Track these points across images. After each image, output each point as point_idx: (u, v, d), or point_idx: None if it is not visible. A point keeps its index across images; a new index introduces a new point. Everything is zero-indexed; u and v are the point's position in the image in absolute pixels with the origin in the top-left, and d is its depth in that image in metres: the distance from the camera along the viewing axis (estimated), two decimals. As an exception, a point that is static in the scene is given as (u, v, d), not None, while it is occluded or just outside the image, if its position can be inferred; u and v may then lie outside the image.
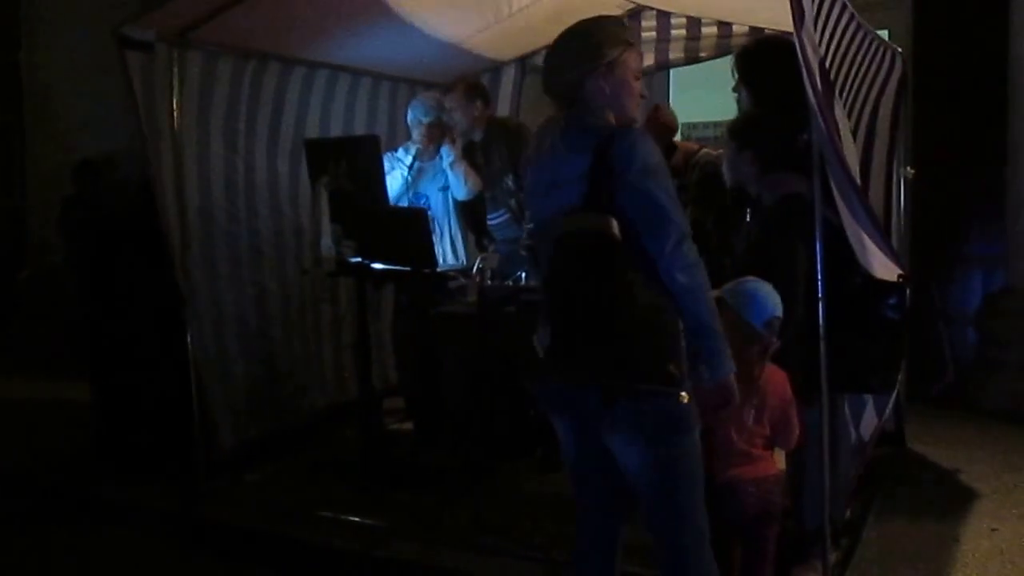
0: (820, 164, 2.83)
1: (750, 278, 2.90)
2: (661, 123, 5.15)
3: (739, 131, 3.33)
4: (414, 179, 4.77)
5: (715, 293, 2.62)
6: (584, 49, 2.42)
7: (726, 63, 3.55)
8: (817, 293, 2.88)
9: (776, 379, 2.90)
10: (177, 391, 4.16)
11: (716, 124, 6.07)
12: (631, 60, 2.44)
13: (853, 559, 3.49)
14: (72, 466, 4.87)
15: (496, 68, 5.72)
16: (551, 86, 2.49)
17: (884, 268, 3.00)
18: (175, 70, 4.09)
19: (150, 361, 4.52)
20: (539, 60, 5.73)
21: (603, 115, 2.41)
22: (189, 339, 4.16)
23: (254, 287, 4.87)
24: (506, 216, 4.73)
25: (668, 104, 6.08)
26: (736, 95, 3.60)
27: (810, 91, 2.60)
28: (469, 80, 4.71)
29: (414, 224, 4.24)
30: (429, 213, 4.52)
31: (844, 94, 3.59)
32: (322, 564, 3.78)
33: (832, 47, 3.14)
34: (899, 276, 3.02)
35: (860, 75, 3.84)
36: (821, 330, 2.87)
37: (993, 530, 3.83)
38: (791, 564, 3.25)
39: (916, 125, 4.82)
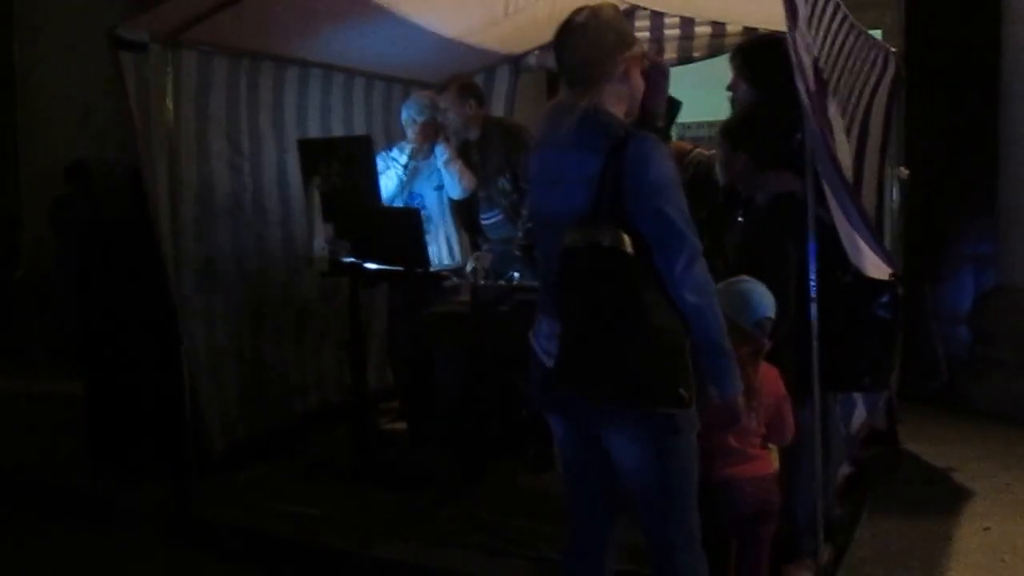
0: (813, 163, 2.84)
1: (742, 278, 2.91)
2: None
3: (733, 131, 3.34)
4: (409, 178, 4.77)
5: None
6: (621, 37, 2.40)
7: (719, 63, 3.56)
8: (809, 292, 2.89)
9: (769, 376, 2.90)
10: (170, 391, 4.16)
11: (709, 124, 6.07)
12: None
13: (846, 557, 3.50)
14: (66, 465, 4.87)
15: (491, 68, 5.72)
16: (577, 71, 2.38)
17: (876, 267, 3.01)
18: (169, 70, 4.08)
19: (143, 361, 4.52)
20: (533, 60, 5.77)
21: (623, 106, 2.38)
22: (182, 338, 4.15)
23: (247, 287, 4.87)
24: (500, 216, 4.73)
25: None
26: (730, 95, 3.61)
27: (803, 91, 2.60)
28: (462, 80, 4.71)
29: (407, 224, 4.24)
30: (424, 212, 4.52)
31: (837, 94, 3.60)
32: (315, 563, 3.78)
33: (825, 47, 3.15)
34: (891, 275, 3.03)
35: (853, 75, 3.85)
36: (814, 329, 2.88)
37: (985, 528, 3.84)
38: (784, 562, 3.26)
39: (908, 124, 4.82)
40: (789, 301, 2.99)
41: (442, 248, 4.79)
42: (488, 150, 4.71)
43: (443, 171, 4.68)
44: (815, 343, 2.89)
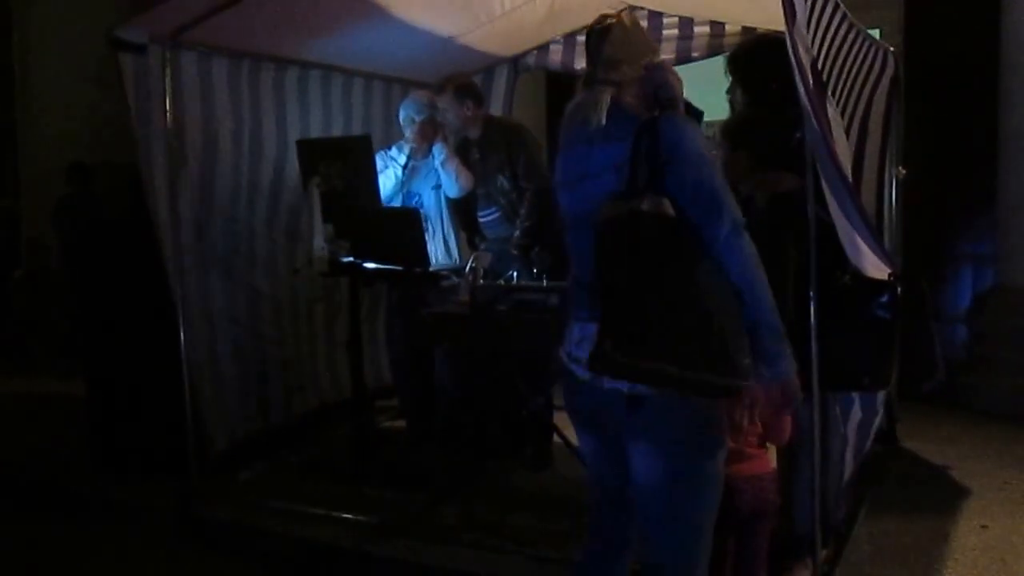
0: (813, 163, 2.84)
1: None
2: None
3: (733, 131, 3.34)
4: (407, 178, 4.78)
5: None
6: (648, 43, 2.45)
7: (718, 63, 3.57)
8: (808, 292, 2.90)
9: None
10: (171, 390, 4.17)
11: (708, 124, 6.08)
12: None
13: (844, 556, 3.50)
14: (66, 464, 4.88)
15: (489, 68, 5.73)
16: (608, 67, 2.36)
17: (875, 267, 3.02)
18: (168, 71, 4.09)
19: (144, 360, 4.53)
20: (531, 60, 5.77)
21: (647, 101, 2.32)
22: (182, 338, 4.16)
23: (246, 287, 4.88)
24: (498, 214, 4.73)
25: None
26: (729, 96, 3.61)
27: (802, 90, 2.61)
28: (460, 80, 4.71)
29: (406, 223, 4.25)
30: (422, 211, 4.53)
31: (836, 93, 3.61)
32: (314, 561, 3.79)
33: (824, 46, 3.16)
34: (890, 275, 3.04)
35: (852, 74, 3.86)
36: (813, 329, 2.89)
37: (983, 527, 3.85)
38: (782, 562, 3.27)
39: (907, 124, 4.83)
40: (787, 301, 3.00)
41: (439, 247, 4.78)
42: (488, 148, 4.71)
43: (440, 170, 4.68)
44: (814, 343, 2.89)
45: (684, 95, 2.45)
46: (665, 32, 5.25)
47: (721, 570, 2.92)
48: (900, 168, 4.66)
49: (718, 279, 2.14)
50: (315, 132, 5.14)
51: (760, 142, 3.25)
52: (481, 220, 4.80)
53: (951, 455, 4.76)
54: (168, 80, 4.09)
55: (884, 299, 3.06)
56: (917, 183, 4.88)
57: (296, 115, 5.05)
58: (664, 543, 2.31)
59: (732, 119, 3.47)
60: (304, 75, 5.03)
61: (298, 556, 3.81)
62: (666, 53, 5.27)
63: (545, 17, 5.04)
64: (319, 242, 4.24)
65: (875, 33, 4.54)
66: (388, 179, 4.70)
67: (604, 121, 2.29)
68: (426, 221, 4.60)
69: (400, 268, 4.31)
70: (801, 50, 2.60)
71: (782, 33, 2.63)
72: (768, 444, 3.02)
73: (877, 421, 4.11)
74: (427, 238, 4.46)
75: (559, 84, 6.63)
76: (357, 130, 5.37)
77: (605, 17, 2.43)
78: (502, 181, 4.65)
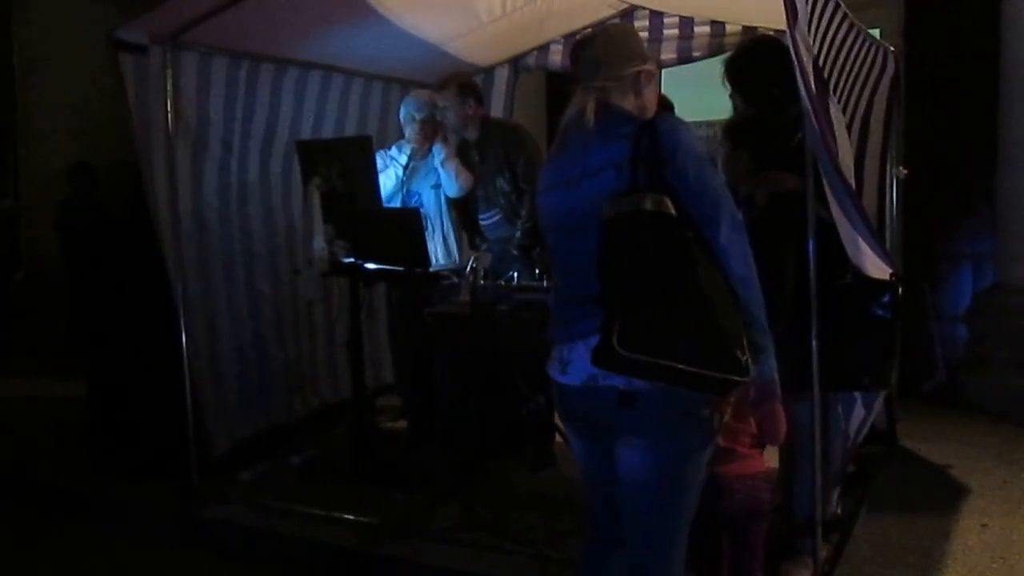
0: (813, 163, 2.85)
1: None
2: None
3: (733, 131, 3.35)
4: (407, 177, 4.79)
5: None
6: (633, 48, 2.45)
7: (718, 63, 3.56)
8: (808, 292, 2.90)
9: None
10: (172, 390, 4.17)
11: (708, 124, 6.08)
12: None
13: (844, 554, 3.51)
14: (67, 465, 4.88)
15: (490, 69, 5.73)
16: (588, 75, 2.41)
17: (876, 267, 3.02)
18: (168, 72, 4.09)
19: (145, 360, 4.53)
20: (531, 61, 5.77)
21: (636, 110, 2.40)
22: (183, 339, 4.16)
23: (247, 287, 4.89)
24: (498, 216, 4.74)
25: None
26: (732, 99, 3.62)
27: (803, 90, 2.61)
28: (462, 79, 4.72)
29: (407, 224, 4.25)
30: (421, 211, 4.53)
31: (837, 93, 3.61)
32: (315, 561, 3.80)
33: (825, 46, 3.16)
34: (891, 275, 3.04)
35: (853, 74, 3.87)
36: (813, 328, 2.90)
37: (983, 526, 3.86)
38: (782, 560, 3.28)
39: (907, 124, 4.84)
40: (786, 300, 3.00)
41: (439, 247, 4.79)
42: (487, 150, 4.72)
43: (440, 169, 4.69)
44: (815, 342, 2.90)
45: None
46: (666, 32, 5.25)
47: (717, 570, 2.92)
48: (900, 168, 4.67)
49: (717, 276, 2.18)
50: (316, 132, 5.15)
51: (761, 142, 3.25)
52: (482, 223, 4.81)
53: (951, 454, 4.77)
54: (168, 81, 4.09)
55: (885, 299, 3.07)
56: (917, 183, 4.88)
57: (297, 115, 5.05)
58: (645, 542, 2.36)
59: (733, 119, 3.48)
60: (304, 75, 5.03)
61: (299, 556, 3.82)
62: (667, 53, 5.28)
63: (545, 17, 5.04)
64: (319, 242, 4.25)
65: (874, 33, 4.54)
66: (388, 179, 4.71)
67: (593, 123, 2.34)
68: (426, 220, 4.60)
69: (400, 268, 4.31)
70: (802, 50, 2.60)
71: (780, 33, 2.64)
72: (766, 444, 3.04)
73: (872, 418, 4.11)
74: (427, 237, 4.46)
75: (559, 84, 6.63)
76: (356, 131, 5.37)
77: (595, 27, 2.51)
78: (501, 183, 4.66)
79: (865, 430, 3.65)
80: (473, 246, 4.86)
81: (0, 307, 8.51)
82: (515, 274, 4.12)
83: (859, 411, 3.62)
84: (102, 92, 6.91)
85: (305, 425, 5.15)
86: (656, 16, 5.22)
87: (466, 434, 4.46)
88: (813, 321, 2.90)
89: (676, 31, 5.24)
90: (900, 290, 3.05)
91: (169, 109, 4.10)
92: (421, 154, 4.76)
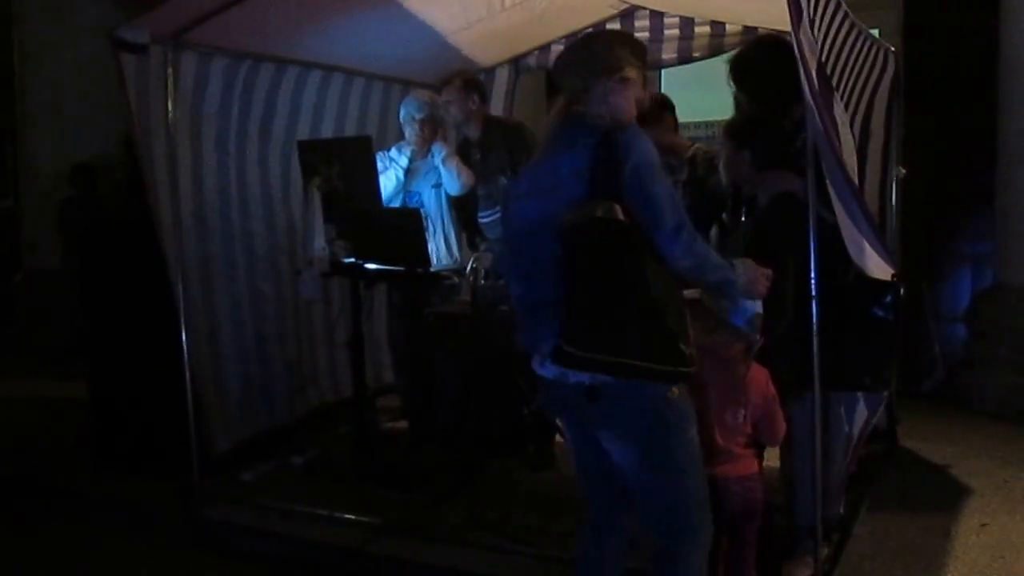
0: (815, 163, 2.85)
1: None
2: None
3: (736, 131, 3.35)
4: (407, 178, 4.79)
5: (694, 294, 2.66)
6: (605, 58, 2.51)
7: (717, 63, 3.58)
8: (809, 292, 2.91)
9: (758, 377, 2.92)
10: (172, 390, 4.17)
11: (708, 124, 6.10)
12: (638, 81, 2.55)
13: (844, 554, 3.52)
14: (68, 465, 4.89)
15: (491, 69, 5.74)
16: (562, 83, 2.57)
17: (878, 267, 3.02)
18: (169, 71, 4.09)
19: (146, 361, 4.53)
20: (532, 61, 5.78)
21: (602, 119, 2.47)
22: (184, 339, 4.16)
23: (248, 287, 4.89)
24: (499, 214, 4.73)
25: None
26: (736, 98, 3.63)
27: (807, 89, 2.62)
28: (466, 75, 4.72)
29: (407, 224, 4.25)
30: (422, 211, 4.53)
31: (840, 92, 3.61)
32: (316, 561, 3.80)
33: (828, 46, 3.16)
34: (893, 276, 3.04)
35: (855, 74, 3.86)
36: (815, 328, 2.90)
37: (983, 525, 3.87)
38: (783, 559, 3.28)
39: (906, 124, 4.84)
40: (787, 300, 3.01)
41: (440, 246, 4.79)
42: (489, 148, 4.72)
43: (441, 168, 4.69)
44: (816, 343, 2.90)
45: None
46: (666, 32, 5.26)
47: (714, 569, 2.93)
48: (900, 168, 4.68)
49: (664, 276, 2.38)
50: (313, 132, 5.15)
51: (763, 142, 3.26)
52: (482, 221, 4.81)
53: (950, 454, 4.78)
54: (169, 80, 4.09)
55: (887, 300, 3.07)
56: (916, 183, 4.88)
57: (296, 115, 5.05)
58: (664, 511, 2.51)
59: (735, 119, 3.49)
60: (304, 75, 5.04)
61: (299, 556, 3.82)
62: (667, 53, 5.30)
63: (545, 17, 5.04)
64: (320, 242, 4.25)
65: (874, 33, 4.54)
66: (389, 180, 4.71)
67: (562, 132, 2.51)
68: (426, 220, 4.61)
69: (401, 268, 4.31)
70: (807, 50, 2.60)
71: (783, 33, 2.64)
72: (765, 446, 3.05)
73: (875, 419, 4.12)
74: (428, 237, 4.47)
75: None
76: (356, 131, 5.38)
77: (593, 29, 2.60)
78: (503, 181, 4.66)
79: (868, 431, 3.65)
80: (472, 246, 4.86)
81: (0, 307, 8.52)
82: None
83: (862, 411, 3.63)
84: (102, 92, 6.90)
85: (306, 425, 5.16)
86: (656, 16, 5.23)
87: (466, 434, 4.46)
88: (814, 321, 2.90)
89: (676, 31, 5.25)
90: (902, 291, 3.06)
91: (169, 109, 4.10)
92: (421, 154, 4.77)
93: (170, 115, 4.11)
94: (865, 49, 3.88)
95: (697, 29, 5.21)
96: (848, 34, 3.49)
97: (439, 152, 4.68)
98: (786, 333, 3.02)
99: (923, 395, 5.36)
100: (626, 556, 2.74)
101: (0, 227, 9.24)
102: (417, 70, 5.36)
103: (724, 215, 3.62)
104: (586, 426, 2.55)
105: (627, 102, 2.52)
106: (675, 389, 2.41)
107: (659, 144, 2.64)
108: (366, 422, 4.68)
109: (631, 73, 2.52)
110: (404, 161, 4.74)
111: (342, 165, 4.34)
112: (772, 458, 3.44)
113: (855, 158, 3.43)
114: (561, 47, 5.54)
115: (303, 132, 5.07)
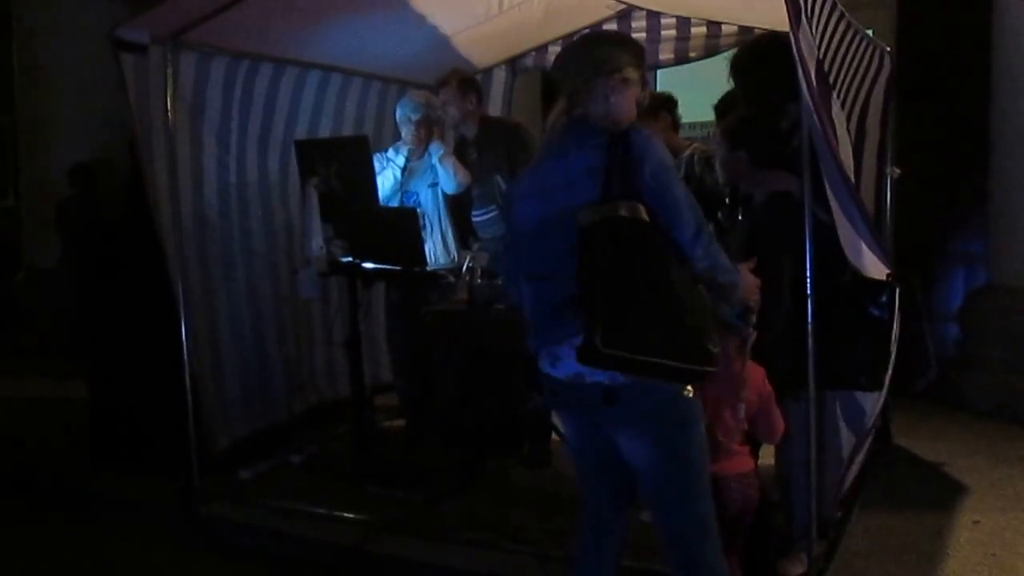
0: (812, 162, 2.87)
1: None
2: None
3: (733, 130, 3.37)
4: (404, 178, 4.81)
5: None
6: (605, 58, 2.52)
7: (714, 63, 3.60)
8: (805, 291, 2.93)
9: (754, 376, 2.93)
10: (172, 389, 4.19)
11: (703, 125, 6.11)
12: (638, 81, 2.55)
13: (838, 551, 3.54)
14: (69, 464, 4.89)
15: (488, 70, 5.76)
16: (561, 83, 2.57)
17: (874, 267, 3.04)
18: (169, 71, 4.11)
19: (146, 360, 4.55)
20: (529, 62, 5.80)
21: (602, 119, 2.48)
22: (183, 338, 4.18)
23: (247, 286, 4.91)
24: (494, 213, 4.74)
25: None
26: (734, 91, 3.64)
27: (805, 88, 2.64)
28: (463, 75, 4.72)
29: (404, 224, 4.27)
30: (419, 210, 4.55)
31: (837, 92, 3.64)
32: (315, 560, 3.81)
33: (824, 45, 3.18)
34: (888, 275, 3.07)
35: (851, 73, 3.88)
36: (809, 327, 2.92)
37: (975, 522, 3.90)
38: (777, 557, 3.31)
39: (899, 124, 4.87)
40: (782, 299, 3.03)
41: (438, 246, 4.80)
42: (485, 147, 4.72)
43: (438, 166, 4.69)
44: (811, 341, 2.93)
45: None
46: (663, 33, 5.28)
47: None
48: (895, 167, 4.70)
49: (687, 276, 2.39)
50: (311, 132, 5.17)
51: (759, 142, 3.28)
52: (477, 220, 4.81)
53: (943, 452, 4.81)
54: (169, 80, 4.11)
55: (882, 299, 3.09)
56: (909, 182, 4.90)
57: (294, 115, 5.07)
58: (677, 504, 2.51)
59: (732, 119, 3.49)
60: (303, 75, 5.05)
61: (299, 555, 3.83)
62: (664, 54, 5.31)
63: (543, 18, 5.06)
64: (317, 242, 4.27)
65: (868, 33, 4.57)
66: (386, 180, 4.73)
67: (566, 132, 2.51)
68: (424, 219, 4.63)
69: (399, 268, 4.33)
70: (805, 49, 2.62)
71: (780, 33, 2.66)
72: (763, 444, 3.07)
73: (874, 418, 4.14)
74: (424, 236, 4.48)
75: (555, 86, 6.64)
76: (353, 131, 5.39)
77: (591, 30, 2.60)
78: (499, 180, 4.67)
79: (869, 432, 3.66)
80: (465, 245, 4.87)
81: (0, 307, 8.52)
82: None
83: (860, 411, 3.65)
84: (102, 92, 6.91)
85: (304, 424, 5.17)
86: (653, 17, 5.24)
87: (464, 432, 4.48)
88: (810, 320, 2.92)
89: (673, 32, 5.26)
90: (897, 291, 3.08)
91: (169, 109, 4.11)
92: (418, 154, 4.79)
93: (170, 115, 4.12)
94: (861, 49, 3.90)
95: (694, 30, 5.22)
96: (844, 34, 3.51)
97: (436, 151, 4.69)
98: (782, 332, 3.05)
99: (916, 394, 5.38)
100: (623, 555, 2.76)
101: (0, 227, 9.25)
102: (414, 71, 5.38)
103: (720, 214, 3.64)
104: (602, 426, 2.53)
105: (627, 102, 2.52)
106: (689, 386, 2.42)
107: None
108: (364, 421, 4.70)
109: (631, 73, 2.52)
110: (401, 161, 4.77)
111: (340, 165, 4.36)
112: (766, 456, 3.48)
113: (851, 158, 3.46)
114: (558, 48, 5.57)
115: (301, 132, 5.09)
